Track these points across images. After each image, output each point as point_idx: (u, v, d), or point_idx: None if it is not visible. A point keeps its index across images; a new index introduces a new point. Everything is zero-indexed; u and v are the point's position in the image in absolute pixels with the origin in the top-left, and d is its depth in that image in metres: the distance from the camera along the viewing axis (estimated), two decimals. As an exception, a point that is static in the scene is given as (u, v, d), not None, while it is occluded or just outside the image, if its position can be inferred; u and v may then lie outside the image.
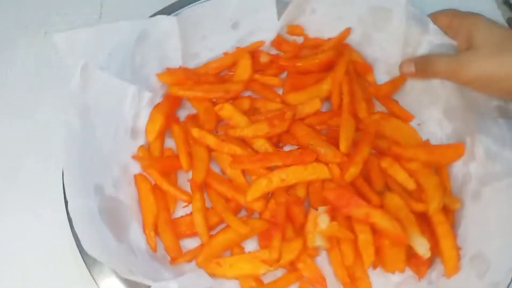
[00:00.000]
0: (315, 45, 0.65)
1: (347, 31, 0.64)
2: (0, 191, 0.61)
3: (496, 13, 0.70)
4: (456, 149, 0.58)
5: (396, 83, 0.63)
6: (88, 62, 0.53)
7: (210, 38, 0.64)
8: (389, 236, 0.52)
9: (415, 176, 0.57)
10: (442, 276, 0.53)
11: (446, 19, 0.56)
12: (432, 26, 0.57)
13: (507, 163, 0.54)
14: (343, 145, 0.56)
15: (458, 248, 0.53)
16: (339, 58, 0.61)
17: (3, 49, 0.70)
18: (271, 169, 0.56)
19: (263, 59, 0.64)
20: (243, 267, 0.53)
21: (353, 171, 0.55)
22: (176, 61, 0.62)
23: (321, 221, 0.53)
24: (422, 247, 0.52)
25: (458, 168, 0.58)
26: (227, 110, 0.59)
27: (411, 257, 0.54)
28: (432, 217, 0.54)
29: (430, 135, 0.61)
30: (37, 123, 0.62)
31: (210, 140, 0.57)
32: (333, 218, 0.54)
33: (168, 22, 0.60)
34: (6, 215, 0.60)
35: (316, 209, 0.55)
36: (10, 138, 0.64)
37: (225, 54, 0.65)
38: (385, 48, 0.63)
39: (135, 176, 0.58)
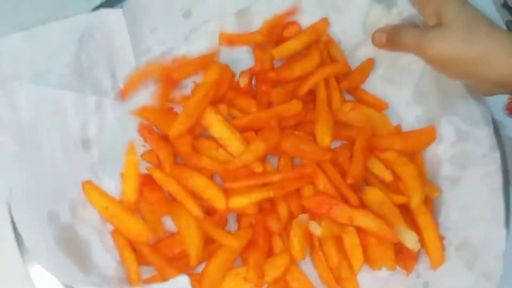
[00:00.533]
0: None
1: (325, 21, 0.60)
2: None
3: (495, 17, 0.69)
4: (428, 134, 0.57)
5: (365, 71, 0.60)
6: (14, 72, 0.47)
7: (160, 30, 0.57)
8: (376, 236, 0.50)
9: (391, 166, 0.55)
10: (430, 269, 0.52)
11: None
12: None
13: (479, 142, 0.53)
14: (326, 141, 0.53)
15: (441, 238, 0.52)
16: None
17: None
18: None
19: (242, 81, 0.57)
20: (226, 286, 0.49)
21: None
22: (126, 59, 0.55)
23: (314, 229, 0.50)
24: (411, 240, 0.51)
25: (430, 152, 0.57)
26: (209, 119, 0.53)
27: (397, 253, 0.52)
28: (412, 208, 0.53)
29: (399, 120, 0.59)
30: None
31: (207, 163, 0.53)
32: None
33: (113, 16, 0.52)
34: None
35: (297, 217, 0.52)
36: None
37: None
38: (346, 30, 0.60)
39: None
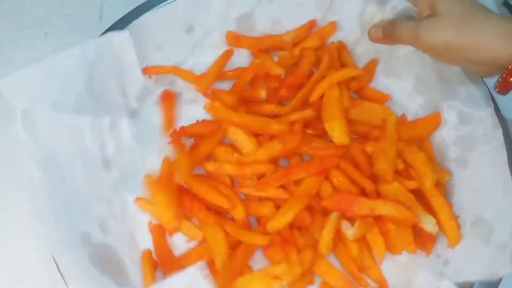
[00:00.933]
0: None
1: (313, 22, 0.62)
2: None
3: None
4: (434, 120, 0.59)
5: (371, 70, 0.62)
6: (33, 104, 0.49)
7: (165, 47, 0.59)
8: (397, 221, 0.52)
9: (401, 155, 0.57)
10: (447, 248, 0.54)
11: None
12: None
13: (481, 122, 0.56)
14: (345, 139, 0.55)
15: (456, 217, 0.54)
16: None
17: (4, 50, 0.69)
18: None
19: (263, 94, 0.59)
20: (255, 287, 0.51)
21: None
22: (135, 78, 0.57)
23: (346, 230, 0.52)
24: (429, 224, 0.52)
25: (436, 138, 0.59)
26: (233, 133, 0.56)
27: (416, 236, 0.54)
28: (425, 192, 0.55)
29: (403, 110, 0.61)
30: None
31: (228, 168, 0.54)
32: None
33: (120, 37, 0.55)
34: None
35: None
36: (10, 140, 0.59)
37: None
38: (343, 28, 0.62)
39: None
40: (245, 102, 0.59)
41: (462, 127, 0.57)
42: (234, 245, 0.53)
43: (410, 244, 0.53)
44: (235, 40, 0.62)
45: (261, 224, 0.55)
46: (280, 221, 0.52)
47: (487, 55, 0.48)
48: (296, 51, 0.62)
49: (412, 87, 0.61)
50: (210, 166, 0.55)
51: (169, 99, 0.60)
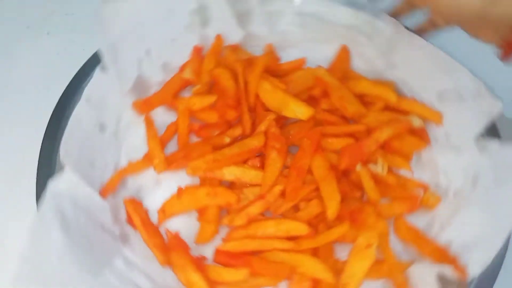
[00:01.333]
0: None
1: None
2: (0, 196, 0.59)
3: None
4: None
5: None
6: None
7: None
8: (398, 137, 0.57)
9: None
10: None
11: None
12: None
13: None
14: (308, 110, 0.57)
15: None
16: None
17: (5, 50, 0.70)
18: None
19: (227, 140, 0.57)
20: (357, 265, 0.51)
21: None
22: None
23: (376, 169, 0.56)
24: (416, 121, 0.58)
25: None
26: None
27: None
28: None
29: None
30: (39, 125, 0.56)
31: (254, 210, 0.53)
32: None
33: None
34: (7, 220, 0.58)
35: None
36: (12, 139, 0.63)
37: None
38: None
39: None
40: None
41: None
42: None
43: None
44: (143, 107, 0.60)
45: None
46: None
47: (498, 11, 0.46)
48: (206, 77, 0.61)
49: None
50: (237, 221, 0.53)
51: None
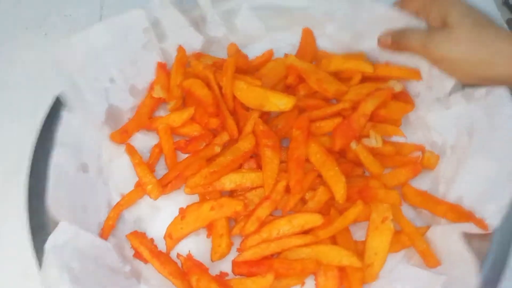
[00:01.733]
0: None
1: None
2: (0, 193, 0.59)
3: (495, 15, 0.71)
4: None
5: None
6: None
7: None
8: (384, 104, 0.57)
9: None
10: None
11: (418, 2, 0.55)
12: None
13: None
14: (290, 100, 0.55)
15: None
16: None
17: (3, 50, 0.70)
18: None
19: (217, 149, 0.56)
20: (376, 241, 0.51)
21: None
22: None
23: (370, 143, 0.55)
24: (395, 85, 0.58)
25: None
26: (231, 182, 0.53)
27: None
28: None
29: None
30: (37, 124, 0.55)
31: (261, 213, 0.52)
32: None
33: None
34: (6, 217, 0.57)
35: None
36: (10, 139, 0.63)
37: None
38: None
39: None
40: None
41: None
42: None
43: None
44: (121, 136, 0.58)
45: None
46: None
47: (498, 71, 0.48)
48: (177, 91, 0.59)
49: None
50: (249, 228, 0.51)
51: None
